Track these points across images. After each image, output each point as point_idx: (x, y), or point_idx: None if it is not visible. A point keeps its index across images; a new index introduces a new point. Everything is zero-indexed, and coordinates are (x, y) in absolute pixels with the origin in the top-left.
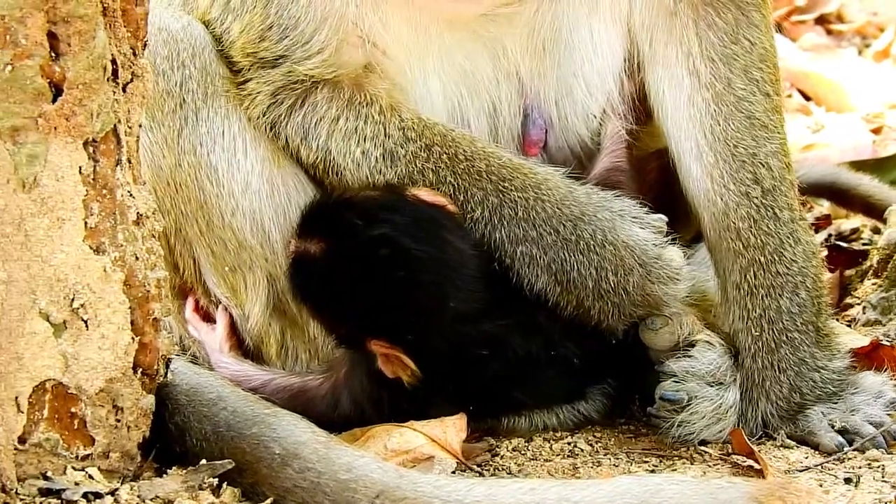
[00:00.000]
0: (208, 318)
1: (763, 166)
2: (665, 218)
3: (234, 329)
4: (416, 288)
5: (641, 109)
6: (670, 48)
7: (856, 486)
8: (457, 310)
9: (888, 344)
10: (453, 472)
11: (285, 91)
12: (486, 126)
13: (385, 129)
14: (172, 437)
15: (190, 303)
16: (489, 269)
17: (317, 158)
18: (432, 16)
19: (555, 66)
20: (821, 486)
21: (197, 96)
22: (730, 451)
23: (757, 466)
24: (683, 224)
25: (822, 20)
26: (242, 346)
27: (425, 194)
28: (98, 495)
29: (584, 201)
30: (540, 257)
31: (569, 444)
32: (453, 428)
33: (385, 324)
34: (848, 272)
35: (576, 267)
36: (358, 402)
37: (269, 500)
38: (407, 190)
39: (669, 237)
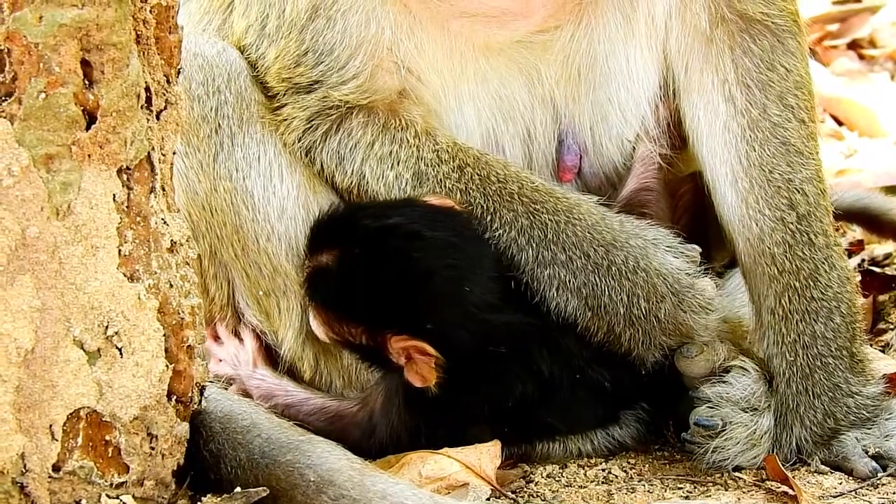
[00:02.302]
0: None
1: (798, 192)
2: (699, 248)
3: (266, 351)
4: (431, 272)
5: (675, 134)
6: (706, 74)
7: None
8: (474, 296)
9: None
10: (488, 499)
11: (320, 117)
12: (521, 152)
13: (419, 152)
14: (207, 465)
15: (220, 324)
16: (505, 265)
17: (351, 183)
18: (467, 42)
19: (590, 92)
20: None
21: (232, 121)
22: (764, 476)
23: (791, 492)
24: (717, 248)
25: (854, 45)
26: (276, 369)
27: (433, 199)
28: None
29: (617, 228)
30: (570, 281)
31: (603, 470)
32: (487, 454)
33: (404, 314)
34: (881, 297)
35: (607, 292)
36: (395, 432)
37: None
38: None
39: (703, 267)
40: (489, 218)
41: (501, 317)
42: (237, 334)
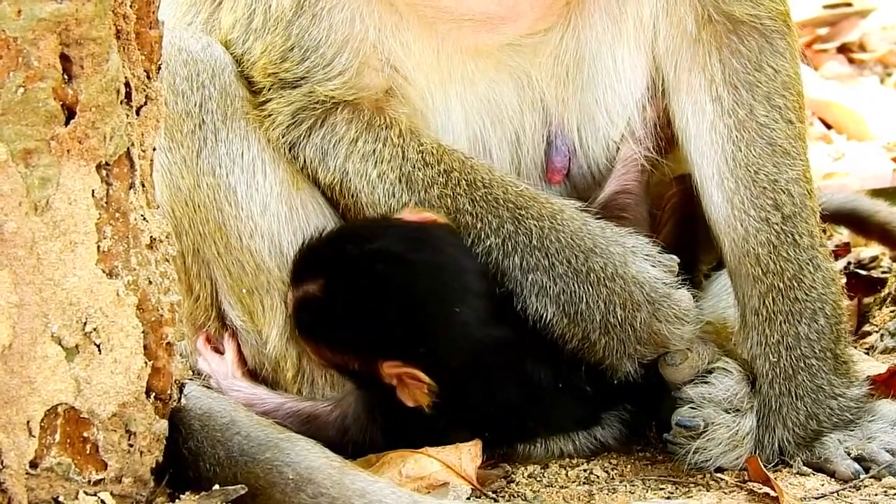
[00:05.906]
0: (218, 351)
1: (784, 192)
2: (677, 259)
3: (242, 356)
4: (418, 296)
5: (662, 136)
6: (694, 75)
7: None
8: (463, 315)
9: None
10: (468, 499)
11: (305, 112)
12: (509, 155)
13: (403, 152)
14: (185, 462)
15: (202, 336)
16: (492, 278)
17: (334, 179)
18: (455, 45)
19: (577, 93)
20: None
21: (216, 117)
22: (746, 478)
23: (773, 494)
24: (706, 251)
25: (844, 49)
26: (252, 373)
27: (410, 214)
28: None
29: (598, 234)
30: (550, 287)
31: (584, 470)
32: (468, 454)
33: (395, 341)
34: (866, 300)
35: (584, 298)
36: (368, 432)
37: None
38: (390, 215)
39: (681, 278)
40: (478, 225)
41: (492, 332)
42: (217, 349)
